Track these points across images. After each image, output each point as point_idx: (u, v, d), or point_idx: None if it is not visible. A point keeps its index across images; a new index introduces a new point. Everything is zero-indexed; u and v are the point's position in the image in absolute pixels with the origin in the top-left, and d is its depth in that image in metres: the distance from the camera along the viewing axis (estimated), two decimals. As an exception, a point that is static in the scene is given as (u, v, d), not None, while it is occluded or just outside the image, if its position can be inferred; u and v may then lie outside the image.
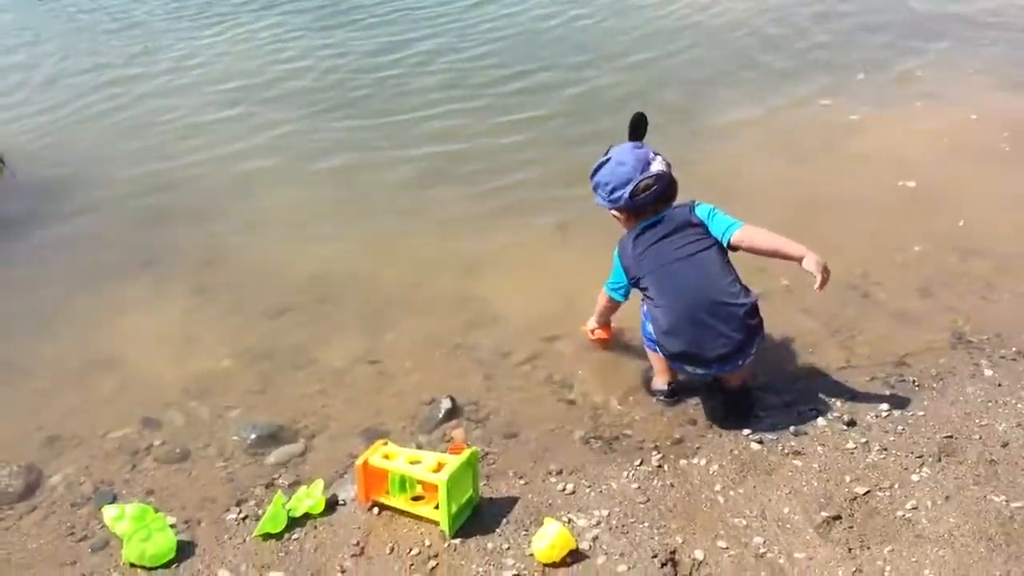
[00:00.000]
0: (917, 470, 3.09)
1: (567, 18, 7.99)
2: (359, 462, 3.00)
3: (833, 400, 3.49)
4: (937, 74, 6.45)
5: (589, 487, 3.13)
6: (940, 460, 3.13)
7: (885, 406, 3.42)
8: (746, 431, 3.35)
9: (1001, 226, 4.60)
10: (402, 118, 6.23)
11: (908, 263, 4.35)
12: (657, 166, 3.24)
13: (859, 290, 4.15)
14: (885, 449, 3.20)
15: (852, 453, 3.20)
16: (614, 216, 3.39)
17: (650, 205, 3.28)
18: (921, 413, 3.38)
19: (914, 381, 3.57)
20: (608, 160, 3.30)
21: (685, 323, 3.22)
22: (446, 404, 3.56)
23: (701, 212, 3.34)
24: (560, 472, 3.21)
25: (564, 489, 3.12)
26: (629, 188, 3.23)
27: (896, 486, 3.03)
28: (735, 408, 3.41)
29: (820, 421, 3.37)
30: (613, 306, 3.62)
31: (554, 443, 3.38)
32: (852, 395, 3.51)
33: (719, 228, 3.29)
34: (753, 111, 6.09)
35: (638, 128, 3.32)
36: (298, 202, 5.30)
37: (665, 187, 3.27)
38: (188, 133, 6.18)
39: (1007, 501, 2.91)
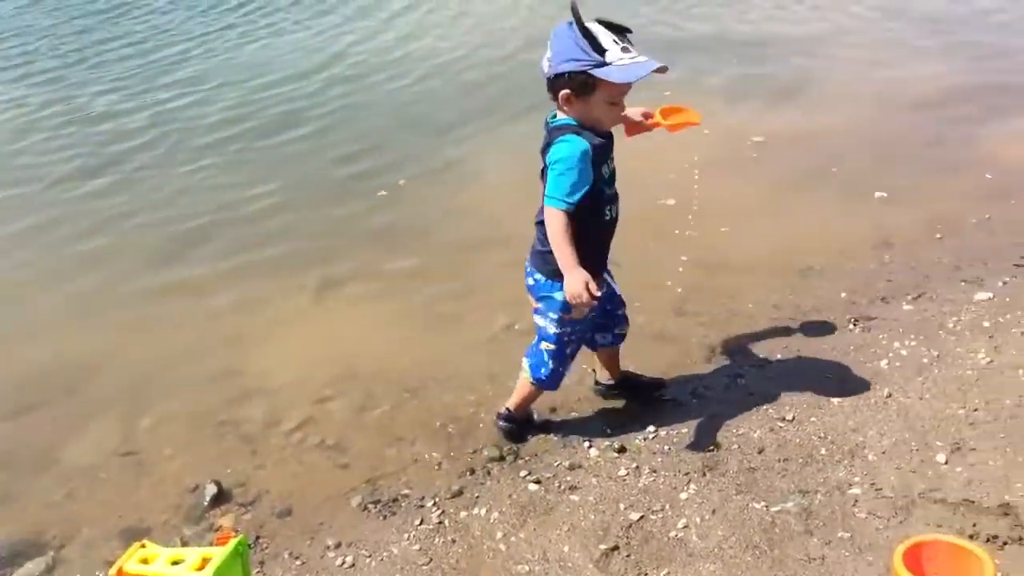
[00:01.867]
0: (685, 488, 3.19)
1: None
2: (112, 571, 2.74)
3: (604, 428, 3.56)
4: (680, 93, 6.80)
5: (369, 556, 3.02)
6: (705, 475, 3.25)
7: (652, 428, 3.53)
8: (523, 472, 3.34)
9: (746, 238, 4.90)
10: (146, 181, 5.90)
11: (663, 284, 4.54)
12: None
13: (621, 316, 4.28)
14: (655, 471, 3.29)
15: (625, 480, 3.27)
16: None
17: None
18: (684, 430, 3.50)
19: (675, 400, 3.70)
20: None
21: None
22: (211, 489, 3.34)
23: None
24: (339, 545, 3.09)
25: (343, 563, 3.00)
26: None
27: (667, 507, 3.11)
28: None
29: (593, 451, 3.43)
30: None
31: (331, 514, 3.25)
32: (621, 421, 3.60)
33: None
34: (497, 145, 6.17)
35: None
36: (30, 283, 4.86)
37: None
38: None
39: (767, 507, 3.06)
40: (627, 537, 2.99)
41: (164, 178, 5.92)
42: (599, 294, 2.98)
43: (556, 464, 3.38)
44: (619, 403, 3.70)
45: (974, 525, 2.87)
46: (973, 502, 2.98)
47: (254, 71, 7.56)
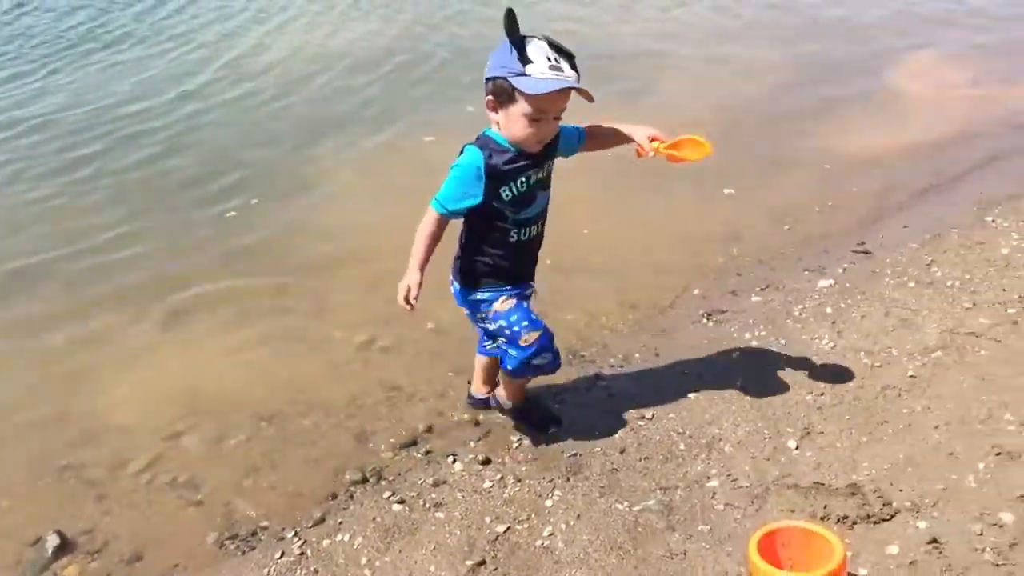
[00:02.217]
0: (550, 495, 3.19)
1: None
2: None
3: (468, 442, 3.53)
4: None
5: (227, 597, 2.89)
6: (569, 480, 3.25)
7: (516, 437, 3.51)
8: (387, 493, 3.27)
9: (598, 238, 4.95)
10: None
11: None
12: None
13: (479, 326, 4.25)
14: (520, 480, 3.27)
15: (490, 492, 3.23)
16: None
17: None
18: (548, 437, 3.50)
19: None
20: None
21: None
22: (53, 540, 3.14)
23: None
24: (195, 588, 2.94)
25: (200, 605, 2.86)
26: None
27: (533, 516, 3.10)
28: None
29: (457, 466, 3.38)
30: None
31: (185, 555, 3.10)
32: (484, 432, 3.57)
33: None
34: (349, 161, 6.08)
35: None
36: None
37: None
38: None
39: (630, 507, 3.08)
40: (493, 550, 2.96)
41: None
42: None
43: (420, 482, 3.32)
44: (484, 414, 3.67)
45: (825, 507, 2.96)
46: (823, 485, 3.08)
47: (99, 93, 7.19)
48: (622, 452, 3.37)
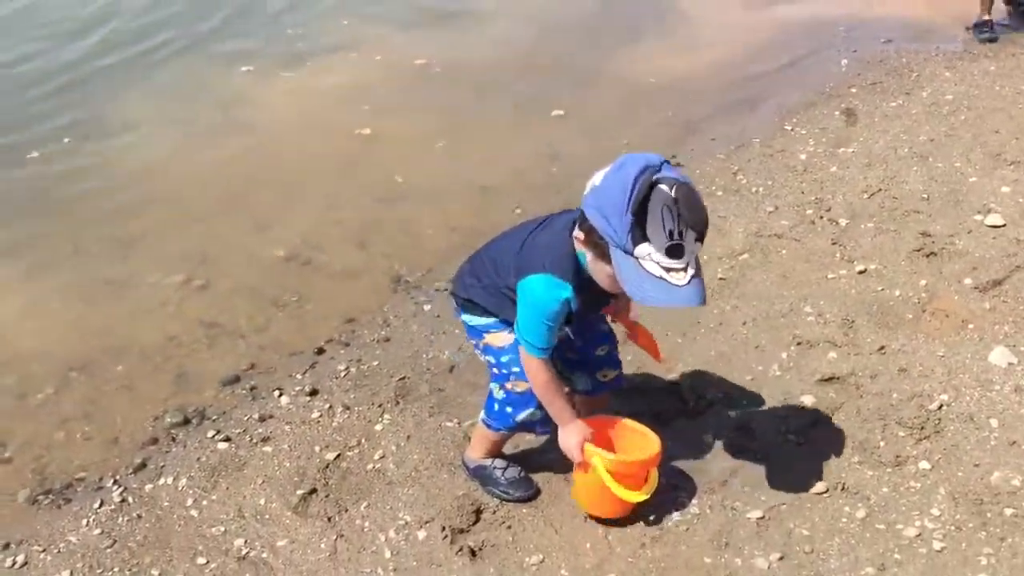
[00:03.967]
0: (380, 419, 3.18)
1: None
2: None
3: (293, 375, 3.46)
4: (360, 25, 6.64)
5: (44, 551, 2.75)
6: (398, 403, 3.25)
7: (343, 366, 3.47)
8: (211, 433, 3.18)
9: (424, 164, 4.91)
10: None
11: (344, 220, 4.45)
12: None
13: (300, 259, 4.16)
14: (348, 408, 3.24)
15: (319, 421, 3.20)
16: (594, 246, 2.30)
17: None
18: (375, 363, 3.48)
19: (366, 334, 3.67)
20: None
21: None
22: None
23: None
24: (7, 546, 2.78)
25: (14, 564, 2.72)
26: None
27: (363, 441, 3.09)
28: None
29: (284, 400, 3.32)
30: None
31: (-6, 515, 2.91)
32: (310, 364, 3.52)
33: None
34: (139, 93, 5.72)
35: None
36: None
37: None
38: None
39: (459, 423, 3.12)
40: (324, 478, 2.93)
41: None
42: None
43: (246, 418, 3.24)
44: (307, 348, 3.60)
45: (647, 406, 3.10)
46: (644, 387, 3.21)
47: None
48: (451, 371, 3.40)
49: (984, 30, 6.00)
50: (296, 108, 5.52)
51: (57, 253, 4.25)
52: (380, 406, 3.24)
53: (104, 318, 3.84)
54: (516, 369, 2.58)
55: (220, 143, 5.13)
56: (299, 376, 3.45)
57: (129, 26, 6.61)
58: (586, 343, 2.74)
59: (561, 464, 2.78)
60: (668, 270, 2.17)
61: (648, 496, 2.60)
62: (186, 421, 3.26)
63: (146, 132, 5.28)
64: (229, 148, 5.07)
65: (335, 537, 2.72)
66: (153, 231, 4.37)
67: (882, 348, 3.31)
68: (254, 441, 3.13)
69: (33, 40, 6.39)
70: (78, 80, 5.88)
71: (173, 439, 3.19)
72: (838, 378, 3.20)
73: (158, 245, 4.27)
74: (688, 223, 2.15)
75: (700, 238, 2.20)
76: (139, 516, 2.85)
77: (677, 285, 2.17)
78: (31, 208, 4.58)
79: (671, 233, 2.14)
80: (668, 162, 2.25)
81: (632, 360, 3.29)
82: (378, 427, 3.14)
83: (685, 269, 2.18)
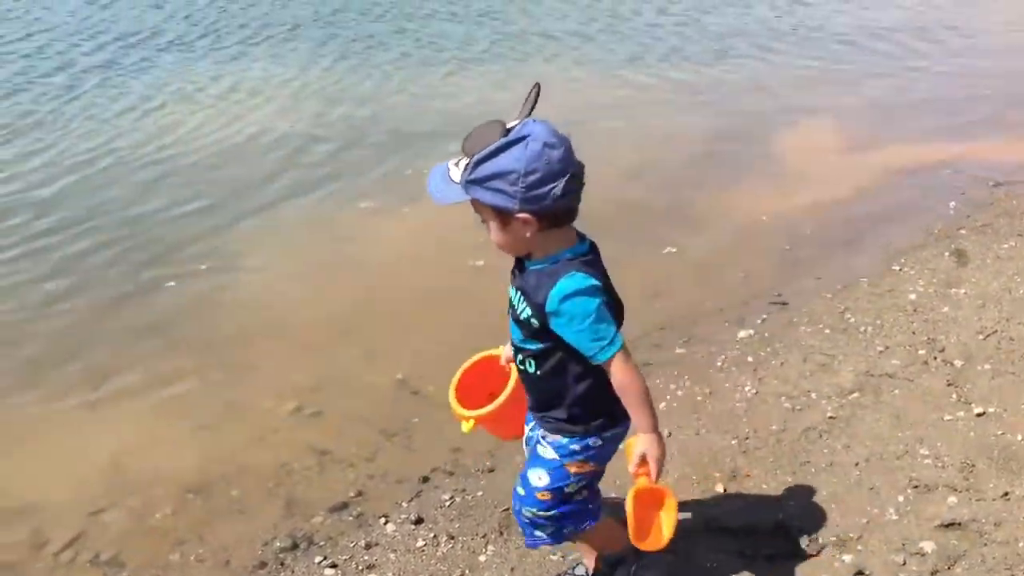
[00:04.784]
0: (484, 550, 3.18)
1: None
2: None
3: (399, 503, 3.50)
4: None
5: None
6: (502, 534, 3.25)
7: (448, 495, 3.50)
8: (318, 558, 3.22)
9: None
10: None
11: (452, 351, 4.53)
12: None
13: (408, 388, 4.26)
14: (452, 537, 3.26)
15: (423, 550, 3.21)
16: (510, 220, 2.25)
17: (570, 212, 2.31)
18: (480, 493, 3.50)
19: (471, 464, 3.71)
20: (523, 140, 2.16)
21: None
22: (-32, 626, 3.01)
23: None
24: (119, 664, 2.84)
25: None
26: (563, 182, 2.18)
27: (467, 571, 3.09)
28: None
29: (389, 527, 3.36)
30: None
31: (109, 633, 2.99)
32: (416, 492, 3.56)
33: None
34: (258, 230, 6.02)
35: (535, 103, 2.30)
36: None
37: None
38: None
39: (563, 556, 3.09)
40: (428, 608, 2.93)
41: None
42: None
43: (352, 545, 3.28)
44: (414, 475, 3.65)
45: (754, 547, 3.02)
46: (752, 526, 3.13)
47: (7, 173, 7.03)
48: (554, 504, 3.38)
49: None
50: (411, 242, 5.75)
51: (180, 378, 4.46)
52: (484, 536, 3.24)
53: (221, 442, 3.98)
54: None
55: (337, 275, 5.38)
56: (405, 504, 3.49)
57: (259, 162, 7.06)
58: None
59: None
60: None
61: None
62: (295, 546, 3.32)
63: (269, 263, 5.57)
64: (345, 280, 5.30)
65: (438, 669, 2.69)
66: (270, 359, 4.56)
67: (1006, 494, 3.17)
68: (360, 568, 3.16)
69: (168, 175, 6.87)
70: (212, 211, 6.27)
71: (282, 564, 3.24)
72: (959, 524, 3.06)
73: (274, 372, 4.44)
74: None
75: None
76: (247, 639, 2.89)
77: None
78: (161, 333, 4.84)
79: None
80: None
81: (740, 499, 3.24)
82: (482, 558, 3.14)
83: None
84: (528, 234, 2.24)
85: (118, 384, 4.44)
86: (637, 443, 2.39)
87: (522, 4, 11.81)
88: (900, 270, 4.98)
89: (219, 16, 11.44)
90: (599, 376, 2.35)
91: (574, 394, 2.41)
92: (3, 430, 4.13)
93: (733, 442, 3.61)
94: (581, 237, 2.37)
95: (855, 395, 3.85)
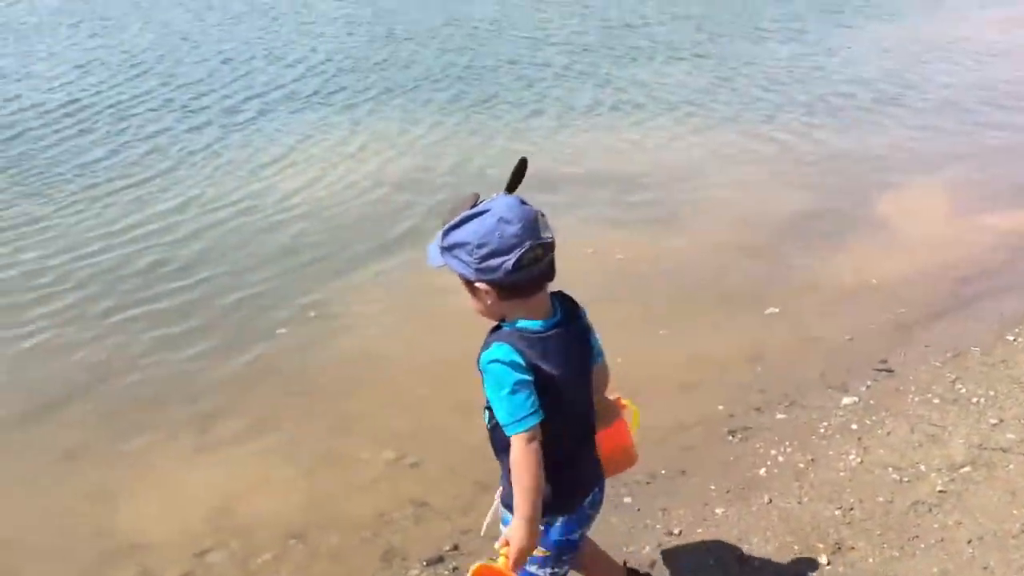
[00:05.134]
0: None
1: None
2: None
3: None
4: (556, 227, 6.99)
5: None
6: (598, 596, 3.22)
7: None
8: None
9: (627, 354, 5.00)
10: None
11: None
12: (547, 232, 2.35)
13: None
14: (548, 597, 3.23)
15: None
16: (471, 290, 2.44)
17: (533, 282, 2.37)
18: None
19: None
20: (483, 214, 2.31)
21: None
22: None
23: (585, 316, 2.58)
24: None
25: None
26: (514, 256, 2.28)
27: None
28: None
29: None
30: (539, 446, 2.33)
31: (211, 673, 3.06)
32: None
33: (596, 347, 2.62)
34: (366, 283, 6.12)
35: (519, 178, 2.47)
36: None
37: (551, 262, 2.38)
38: None
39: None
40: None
41: (19, 343, 5.54)
42: None
43: (448, 599, 3.30)
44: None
45: (859, 622, 2.93)
46: (856, 600, 3.05)
47: (117, 225, 7.34)
48: (651, 565, 3.35)
49: None
50: None
51: (285, 424, 4.59)
52: (578, 594, 3.22)
53: (322, 489, 4.07)
54: None
55: (438, 327, 5.42)
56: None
57: (382, 214, 7.24)
58: None
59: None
60: None
61: None
62: (391, 596, 3.36)
63: (375, 314, 5.68)
64: (446, 332, 5.34)
65: None
66: (371, 408, 4.66)
67: None
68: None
69: (292, 225, 7.10)
70: (327, 260, 6.44)
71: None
72: (1081, 610, 2.92)
73: (375, 422, 4.53)
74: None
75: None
76: None
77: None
78: (269, 379, 5.00)
79: None
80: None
81: (843, 572, 3.15)
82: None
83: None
84: (490, 302, 2.37)
85: (225, 428, 4.59)
86: (510, 526, 2.37)
87: (646, 65, 11.93)
88: (1014, 340, 4.82)
89: (352, 71, 11.87)
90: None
91: (506, 462, 2.42)
92: (113, 469, 4.30)
93: (837, 512, 3.52)
94: (558, 309, 2.42)
95: (966, 469, 3.72)
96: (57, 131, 9.55)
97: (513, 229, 2.26)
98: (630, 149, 8.73)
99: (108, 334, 5.51)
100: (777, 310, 5.43)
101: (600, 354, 2.59)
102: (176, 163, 8.47)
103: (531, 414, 2.29)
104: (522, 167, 2.42)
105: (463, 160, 8.46)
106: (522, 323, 2.36)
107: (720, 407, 4.44)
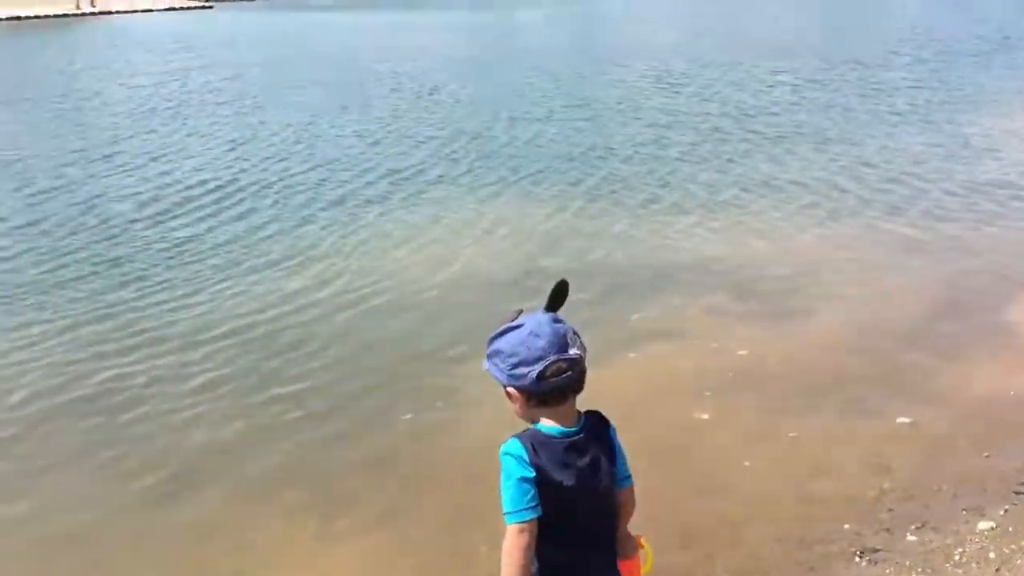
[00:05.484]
0: None
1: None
2: None
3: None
4: (678, 319, 6.99)
5: None
6: None
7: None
8: None
9: (752, 458, 4.94)
10: (141, 424, 5.76)
11: (665, 513, 4.54)
12: (575, 350, 2.60)
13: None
14: None
15: None
16: (507, 394, 2.68)
17: (557, 392, 2.58)
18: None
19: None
20: (518, 327, 2.60)
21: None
22: None
23: (615, 437, 2.71)
24: None
25: None
26: (539, 367, 2.53)
27: None
28: None
29: None
30: (530, 540, 2.49)
31: None
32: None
33: (621, 471, 2.72)
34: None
35: (559, 298, 2.69)
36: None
37: (578, 376, 2.60)
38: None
39: None
40: None
41: (163, 418, 5.83)
42: None
43: None
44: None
45: None
46: None
47: (249, 307, 7.52)
48: None
49: None
50: (634, 387, 5.78)
51: (407, 515, 4.67)
52: None
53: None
54: None
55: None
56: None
57: (506, 301, 7.36)
58: None
59: None
60: None
61: None
62: None
63: (498, 405, 5.69)
64: None
65: None
66: (493, 502, 4.68)
67: None
68: None
69: (421, 310, 7.33)
70: (453, 348, 6.52)
71: None
72: None
73: (496, 517, 4.56)
74: None
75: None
76: None
77: None
78: (391, 467, 5.12)
79: None
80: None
81: None
82: None
83: None
84: (518, 406, 2.58)
85: (348, 516, 4.68)
86: None
87: (770, 151, 11.93)
88: None
89: (477, 152, 12.29)
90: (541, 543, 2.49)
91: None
92: (242, 555, 4.44)
93: (973, 649, 3.38)
94: (583, 423, 2.59)
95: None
96: (200, 208, 10.18)
97: (541, 343, 2.50)
98: (754, 239, 8.70)
99: (244, 414, 5.76)
100: (907, 420, 5.27)
101: (627, 478, 2.70)
102: (313, 242, 8.89)
103: (527, 508, 2.45)
104: (561, 289, 2.63)
105: (586, 247, 8.59)
106: (542, 427, 2.56)
107: (846, 525, 4.32)
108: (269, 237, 9.08)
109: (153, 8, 64.54)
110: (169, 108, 17.32)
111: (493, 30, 43.53)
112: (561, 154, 12.13)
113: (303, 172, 11.51)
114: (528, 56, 26.23)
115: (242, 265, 8.26)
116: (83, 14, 58.04)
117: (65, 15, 56.53)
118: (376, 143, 13.03)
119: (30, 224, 9.73)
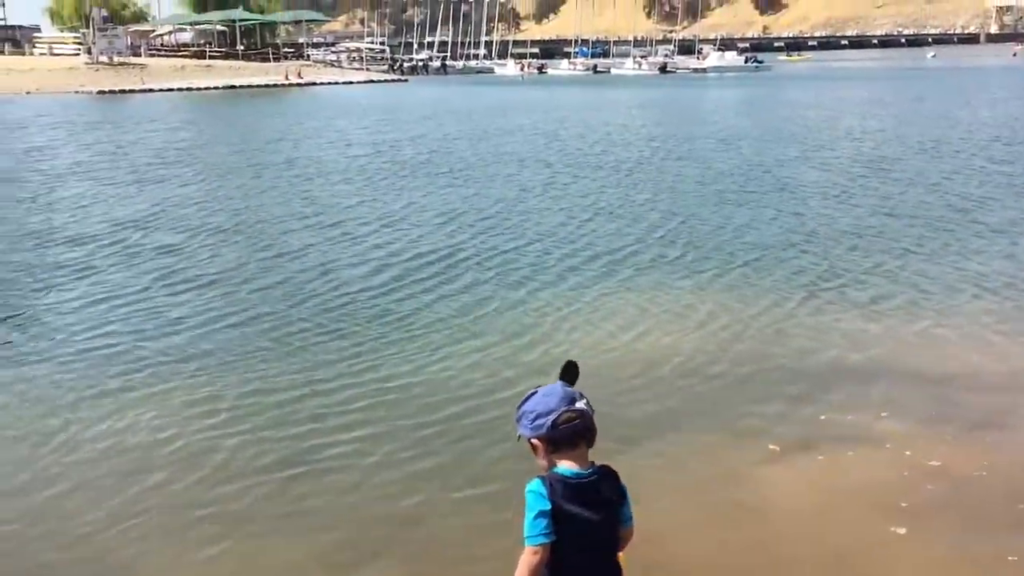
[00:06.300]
0: None
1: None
2: None
3: None
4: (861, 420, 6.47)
5: None
6: None
7: None
8: None
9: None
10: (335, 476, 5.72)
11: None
12: (581, 404, 3.22)
13: None
14: None
15: None
16: (531, 447, 3.27)
17: (569, 438, 3.19)
18: None
19: None
20: (535, 393, 3.30)
21: None
22: None
23: (623, 485, 3.26)
24: None
25: None
26: (553, 416, 3.19)
27: None
28: None
29: None
30: (542, 560, 3.08)
31: None
32: None
33: (626, 512, 3.24)
34: (682, 476, 5.80)
35: (568, 373, 3.34)
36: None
37: (586, 424, 3.21)
38: None
39: None
40: None
41: (349, 479, 5.82)
42: None
43: None
44: None
45: None
46: None
47: (442, 375, 7.51)
48: None
49: None
50: (820, 493, 5.43)
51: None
52: None
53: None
54: None
55: (730, 519, 5.17)
56: None
57: (686, 393, 7.09)
58: None
59: None
60: None
61: None
62: None
63: (668, 501, 5.40)
64: (740, 526, 5.08)
65: None
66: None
67: None
68: None
69: (623, 395, 7.05)
70: (631, 440, 6.17)
71: None
72: None
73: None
74: None
75: None
76: None
77: None
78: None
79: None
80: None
81: None
82: None
83: None
84: (540, 455, 3.20)
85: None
86: None
87: (1007, 247, 11.23)
88: None
89: (691, 236, 12.14)
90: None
91: None
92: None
93: None
94: (593, 466, 3.17)
95: None
96: (421, 280, 10.40)
97: (554, 400, 3.18)
98: (984, 346, 8.02)
99: (415, 489, 5.66)
100: (1015, 558, 4.63)
101: (629, 519, 3.26)
102: (534, 321, 8.82)
103: (541, 534, 3.04)
104: (569, 367, 3.30)
105: (809, 346, 8.09)
106: (559, 469, 3.15)
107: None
108: (490, 313, 9.14)
109: (354, 81, 68.87)
110: (384, 178, 18.18)
111: (681, 103, 43.61)
112: (779, 240, 11.78)
113: (518, 247, 11.69)
114: (725, 135, 26.03)
115: (462, 344, 8.22)
116: (290, 84, 62.59)
117: (275, 85, 61.13)
118: (587, 221, 13.12)
119: (261, 290, 10.12)
